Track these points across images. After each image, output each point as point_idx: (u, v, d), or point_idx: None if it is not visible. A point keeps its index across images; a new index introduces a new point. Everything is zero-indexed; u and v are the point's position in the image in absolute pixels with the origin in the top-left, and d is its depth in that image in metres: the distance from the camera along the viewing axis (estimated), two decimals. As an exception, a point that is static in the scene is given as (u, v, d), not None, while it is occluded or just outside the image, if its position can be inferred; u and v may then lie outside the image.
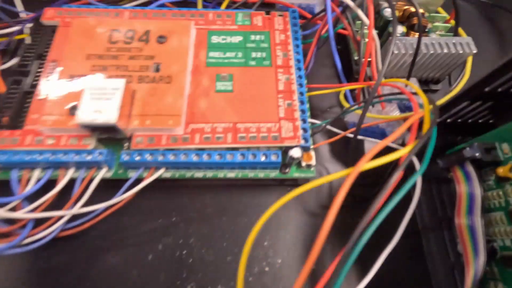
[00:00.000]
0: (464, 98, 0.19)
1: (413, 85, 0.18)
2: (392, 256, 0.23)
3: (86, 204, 0.19)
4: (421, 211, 0.24)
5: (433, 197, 0.24)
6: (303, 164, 0.21)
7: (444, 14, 0.28)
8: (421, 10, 0.26)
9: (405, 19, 0.26)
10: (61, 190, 0.20)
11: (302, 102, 0.22)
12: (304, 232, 0.23)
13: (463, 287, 0.18)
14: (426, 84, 0.28)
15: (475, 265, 0.17)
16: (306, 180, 0.23)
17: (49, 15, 0.23)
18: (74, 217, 0.20)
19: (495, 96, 0.19)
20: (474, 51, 0.24)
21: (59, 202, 0.19)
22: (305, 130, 0.21)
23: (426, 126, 0.15)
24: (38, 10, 0.24)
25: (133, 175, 0.20)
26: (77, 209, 0.19)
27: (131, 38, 0.22)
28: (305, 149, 0.21)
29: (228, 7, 0.27)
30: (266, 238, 0.22)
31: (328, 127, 0.23)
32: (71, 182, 0.20)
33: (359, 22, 0.26)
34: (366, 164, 0.13)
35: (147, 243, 0.21)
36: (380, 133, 0.22)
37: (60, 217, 0.19)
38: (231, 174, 0.21)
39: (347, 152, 0.25)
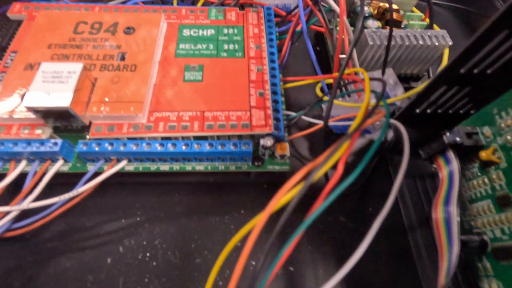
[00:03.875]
0: (441, 83, 0.18)
1: (365, 73, 0.17)
2: (378, 256, 0.21)
3: (38, 200, 0.17)
4: (407, 208, 0.23)
5: (418, 193, 0.23)
6: (277, 155, 0.20)
7: (419, 13, 0.28)
8: (395, 6, 0.26)
9: (380, 15, 0.26)
10: (13, 186, 0.18)
11: (275, 93, 0.21)
12: (282, 231, 0.21)
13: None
14: (407, 81, 0.28)
15: (448, 256, 0.16)
16: (283, 174, 0.22)
17: (16, 9, 0.23)
18: (24, 216, 0.18)
19: (472, 80, 0.18)
20: (450, 43, 0.24)
21: (10, 199, 0.18)
22: (278, 119, 0.20)
23: (358, 119, 0.14)
24: (6, 5, 0.23)
25: (92, 168, 0.18)
26: (27, 204, 0.17)
27: (98, 29, 0.21)
28: (278, 139, 0.19)
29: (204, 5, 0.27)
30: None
31: (307, 119, 0.22)
32: (25, 177, 0.18)
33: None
34: (280, 201, 0.11)
35: (106, 245, 0.19)
36: (363, 131, 0.21)
37: (6, 214, 0.17)
38: (199, 167, 0.20)
39: (326, 145, 0.24)
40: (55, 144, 0.17)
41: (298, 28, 0.24)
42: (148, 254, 0.19)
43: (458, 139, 0.18)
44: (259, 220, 0.10)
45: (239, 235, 0.11)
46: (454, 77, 0.18)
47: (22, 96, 0.17)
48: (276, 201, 0.10)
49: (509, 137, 0.16)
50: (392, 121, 0.17)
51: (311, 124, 0.23)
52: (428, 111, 0.21)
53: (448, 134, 0.18)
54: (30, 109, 0.16)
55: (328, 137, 0.25)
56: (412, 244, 0.21)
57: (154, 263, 0.19)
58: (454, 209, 0.17)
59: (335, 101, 0.21)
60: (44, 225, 0.18)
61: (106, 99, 0.18)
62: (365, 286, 0.20)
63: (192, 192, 0.21)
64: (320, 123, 0.22)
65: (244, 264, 0.10)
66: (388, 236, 0.22)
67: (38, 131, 0.17)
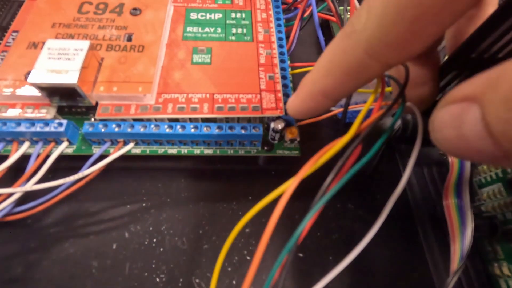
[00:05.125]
0: (450, 68, 0.18)
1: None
2: (387, 243, 0.21)
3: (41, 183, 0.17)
4: (414, 195, 0.22)
5: (425, 180, 0.23)
6: (287, 139, 0.19)
7: None
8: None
9: None
10: (14, 169, 0.18)
11: (284, 78, 0.21)
12: (291, 216, 0.21)
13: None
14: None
15: (461, 239, 0.16)
16: (290, 161, 0.21)
17: (17, -10, 0.22)
18: (26, 200, 0.17)
19: (484, 65, 0.18)
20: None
21: (12, 183, 0.17)
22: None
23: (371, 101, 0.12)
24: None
25: (98, 150, 0.18)
26: (30, 186, 0.16)
27: (103, 10, 0.20)
28: (288, 123, 0.19)
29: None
30: (248, 224, 0.20)
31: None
32: (27, 160, 0.18)
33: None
34: (309, 169, 0.10)
35: (111, 231, 0.19)
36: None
37: (8, 197, 0.16)
38: (208, 151, 0.19)
39: (336, 131, 0.24)
40: (60, 124, 0.17)
41: (305, 15, 0.24)
42: (154, 240, 0.19)
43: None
44: (289, 186, 0.09)
45: (262, 203, 0.10)
46: (465, 61, 0.17)
47: (26, 74, 0.17)
48: (311, 164, 0.10)
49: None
50: (409, 104, 0.17)
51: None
52: (437, 98, 0.21)
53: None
54: (35, 86, 0.15)
55: (335, 126, 0.25)
56: (421, 230, 0.21)
57: (161, 249, 0.18)
58: (466, 193, 0.17)
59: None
60: (47, 210, 0.18)
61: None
62: (373, 272, 0.20)
63: (198, 178, 0.21)
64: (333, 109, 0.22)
65: (270, 235, 0.10)
66: (397, 223, 0.21)
67: (43, 111, 0.17)
